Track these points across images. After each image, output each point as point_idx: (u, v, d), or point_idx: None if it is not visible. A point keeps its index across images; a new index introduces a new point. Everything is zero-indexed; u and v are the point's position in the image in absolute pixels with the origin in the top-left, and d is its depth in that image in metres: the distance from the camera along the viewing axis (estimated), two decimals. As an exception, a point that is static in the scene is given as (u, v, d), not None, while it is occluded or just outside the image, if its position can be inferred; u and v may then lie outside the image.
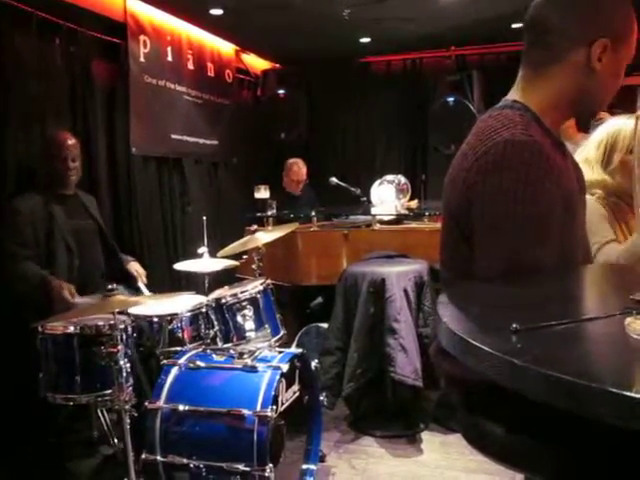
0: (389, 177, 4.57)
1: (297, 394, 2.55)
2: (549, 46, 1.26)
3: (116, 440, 2.88)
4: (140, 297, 2.65)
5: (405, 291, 3.23)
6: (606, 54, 1.22)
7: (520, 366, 0.59)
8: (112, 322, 2.28)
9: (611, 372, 0.59)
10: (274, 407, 2.20)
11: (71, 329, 2.39)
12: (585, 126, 1.44)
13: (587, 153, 2.10)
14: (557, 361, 0.59)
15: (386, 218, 4.18)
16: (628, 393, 0.50)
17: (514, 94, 1.33)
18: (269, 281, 3.05)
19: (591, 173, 2.03)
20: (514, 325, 0.69)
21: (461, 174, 1.25)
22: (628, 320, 0.71)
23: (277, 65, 6.37)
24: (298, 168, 5.13)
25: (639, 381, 0.57)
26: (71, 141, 3.20)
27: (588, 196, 1.94)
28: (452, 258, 1.35)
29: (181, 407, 2.28)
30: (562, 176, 1.21)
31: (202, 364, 2.43)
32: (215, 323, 2.83)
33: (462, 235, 1.25)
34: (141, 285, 3.28)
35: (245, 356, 2.44)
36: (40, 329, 2.40)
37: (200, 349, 2.64)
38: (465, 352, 0.69)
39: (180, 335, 2.74)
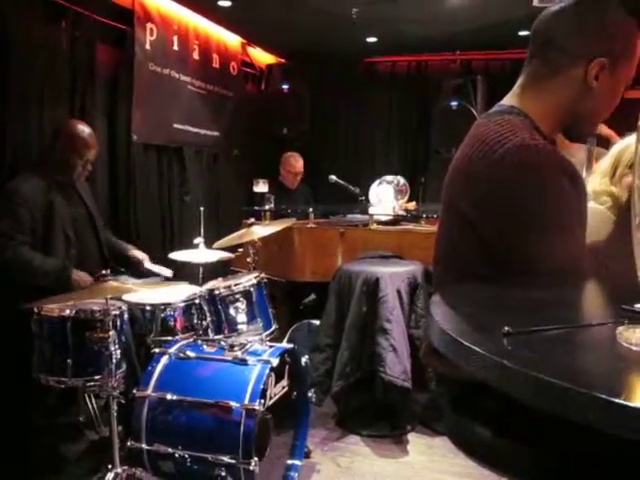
0: (388, 177, 4.57)
1: (286, 389, 2.55)
2: (549, 59, 1.29)
3: (102, 426, 2.88)
4: (135, 284, 2.64)
5: (398, 292, 3.23)
6: (603, 73, 1.24)
7: (510, 368, 0.59)
8: (105, 307, 2.28)
9: (600, 378, 0.59)
10: (262, 401, 2.20)
11: (67, 312, 2.39)
12: (573, 139, 1.45)
13: (603, 163, 2.12)
14: (547, 365, 0.60)
15: (383, 218, 4.18)
16: (617, 400, 0.50)
17: (511, 100, 1.35)
18: (263, 275, 3.06)
19: (598, 184, 2.04)
20: (506, 328, 0.69)
21: (474, 182, 1.25)
22: (620, 329, 0.71)
23: (282, 60, 6.35)
24: (295, 161, 5.13)
25: (628, 388, 0.57)
26: (93, 141, 3.13)
27: (597, 205, 1.96)
28: (454, 259, 1.36)
29: (169, 396, 2.28)
30: (573, 177, 1.23)
31: (192, 354, 2.43)
32: (207, 314, 2.83)
33: (476, 238, 1.26)
34: (151, 266, 3.27)
35: (236, 348, 2.44)
36: (36, 310, 2.40)
37: (191, 339, 2.64)
38: (456, 352, 0.69)
39: (172, 324, 2.74)
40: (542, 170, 1.17)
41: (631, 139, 2.09)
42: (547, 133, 1.31)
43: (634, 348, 0.66)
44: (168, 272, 3.25)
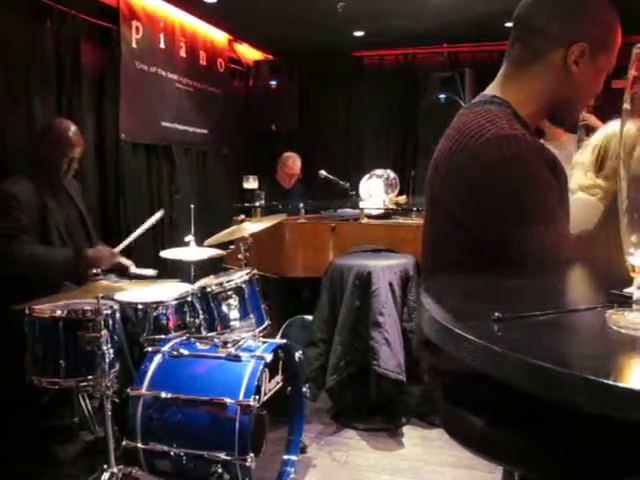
0: (378, 171, 4.58)
1: (280, 385, 2.55)
2: (530, 44, 1.30)
3: (97, 426, 2.88)
4: (125, 283, 2.64)
5: (391, 285, 3.23)
6: (583, 59, 1.25)
7: (500, 353, 0.60)
8: (97, 307, 2.27)
9: (590, 361, 0.60)
10: (257, 397, 2.20)
11: (58, 312, 2.37)
12: (559, 126, 1.46)
13: (584, 156, 2.11)
14: (537, 349, 0.60)
15: (374, 212, 4.19)
16: (606, 381, 0.51)
17: (493, 89, 1.35)
18: (255, 271, 3.05)
19: (584, 177, 2.04)
20: (496, 314, 0.69)
21: (455, 175, 1.24)
22: (609, 312, 0.72)
23: (270, 56, 6.34)
24: (293, 162, 5.12)
25: (617, 370, 0.58)
26: (78, 139, 3.09)
27: (588, 196, 1.96)
28: (440, 253, 1.36)
29: (163, 394, 2.27)
30: (552, 166, 1.23)
31: (186, 352, 2.42)
32: (200, 312, 2.83)
33: (460, 230, 1.25)
34: (137, 271, 3.25)
35: (229, 345, 2.43)
36: (27, 312, 2.38)
37: (184, 337, 2.64)
38: (447, 339, 0.70)
39: (165, 323, 2.73)
40: (521, 160, 1.17)
41: (608, 129, 2.08)
42: (529, 121, 1.31)
43: (623, 331, 0.67)
44: (152, 272, 3.24)
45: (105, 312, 2.36)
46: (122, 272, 3.24)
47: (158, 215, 3.25)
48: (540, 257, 1.16)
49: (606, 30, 1.27)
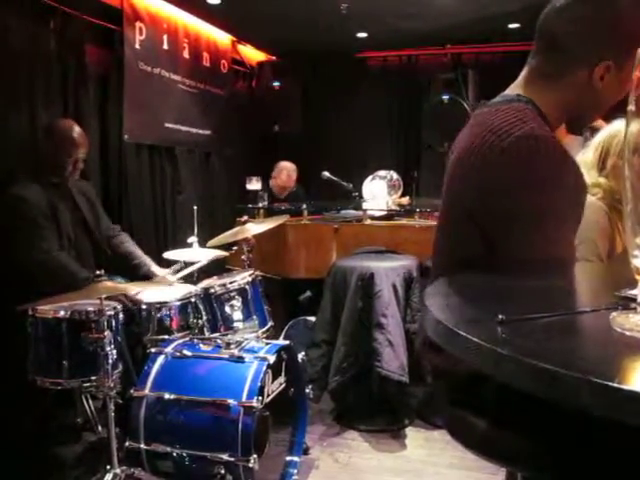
0: (381, 173, 4.57)
1: (283, 386, 2.55)
2: (553, 60, 1.26)
3: (100, 427, 2.88)
4: (128, 284, 2.64)
5: (394, 286, 3.23)
6: (609, 74, 1.21)
7: (504, 356, 0.59)
8: (100, 308, 2.27)
9: (595, 363, 0.60)
10: (260, 398, 2.20)
11: (62, 313, 2.38)
12: (575, 131, 1.43)
13: (586, 156, 2.11)
14: (541, 351, 0.60)
15: (377, 214, 4.18)
16: (610, 383, 0.51)
17: (517, 89, 1.32)
18: (258, 272, 3.06)
19: (586, 176, 2.04)
20: (500, 316, 0.69)
21: (479, 172, 1.21)
22: (613, 314, 0.72)
23: (273, 57, 6.35)
24: (287, 176, 5.05)
25: (622, 372, 0.58)
26: (82, 140, 3.07)
27: (588, 196, 1.96)
28: (453, 253, 1.34)
29: (166, 395, 2.28)
30: (577, 174, 1.23)
31: (189, 353, 2.43)
32: (203, 313, 2.84)
33: (477, 229, 1.24)
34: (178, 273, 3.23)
35: (232, 346, 2.44)
36: (31, 312, 2.39)
37: (187, 338, 2.64)
38: (450, 341, 0.69)
39: (168, 324, 2.74)
40: (549, 161, 1.14)
41: (611, 129, 2.09)
42: (552, 124, 1.30)
43: (628, 333, 0.66)
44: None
45: (108, 313, 2.37)
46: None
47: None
48: (549, 260, 1.15)
49: (632, 40, 1.18)
